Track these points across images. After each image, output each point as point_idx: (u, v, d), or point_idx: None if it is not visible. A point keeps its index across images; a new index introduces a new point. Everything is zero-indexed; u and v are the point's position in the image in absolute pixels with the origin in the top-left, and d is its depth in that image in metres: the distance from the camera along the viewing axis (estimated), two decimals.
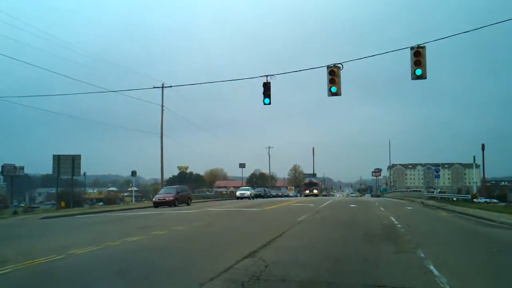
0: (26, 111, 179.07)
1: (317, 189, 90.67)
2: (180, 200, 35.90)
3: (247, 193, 57.67)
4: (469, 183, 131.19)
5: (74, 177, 44.56)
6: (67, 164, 39.58)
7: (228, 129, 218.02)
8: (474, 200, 40.47)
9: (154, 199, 36.73)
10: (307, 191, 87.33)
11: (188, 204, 36.80)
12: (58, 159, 39.42)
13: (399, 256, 9.37)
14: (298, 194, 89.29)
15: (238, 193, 58.42)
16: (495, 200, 62.21)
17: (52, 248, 10.71)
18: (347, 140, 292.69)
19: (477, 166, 56.86)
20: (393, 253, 9.66)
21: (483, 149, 51.14)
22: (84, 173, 79.90)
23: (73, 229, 17.96)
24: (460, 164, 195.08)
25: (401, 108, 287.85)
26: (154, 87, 44.03)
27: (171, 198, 34.61)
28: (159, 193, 37.98)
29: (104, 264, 8.79)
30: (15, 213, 32.40)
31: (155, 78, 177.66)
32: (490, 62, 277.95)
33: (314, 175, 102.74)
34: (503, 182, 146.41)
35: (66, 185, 58.23)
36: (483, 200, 54.08)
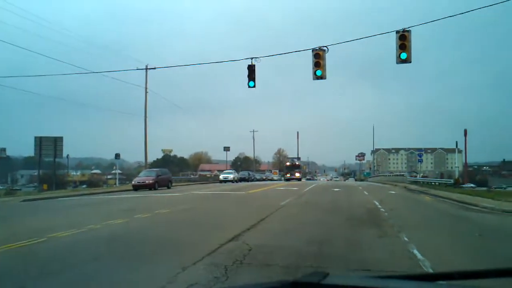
0: (7, 92, 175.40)
1: (299, 172, 79.69)
2: (160, 183, 35.80)
3: (231, 176, 57.45)
4: (452, 167, 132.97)
5: (56, 159, 44.06)
6: (49, 146, 39.15)
7: (212, 112, 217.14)
8: (455, 184, 40.95)
9: (133, 182, 36.44)
10: (288, 175, 74.71)
11: (169, 188, 36.74)
12: (40, 141, 38.94)
13: (383, 240, 9.38)
14: (282, 178, 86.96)
15: (221, 177, 58.05)
16: (472, 185, 63.15)
17: (33, 231, 10.50)
18: (331, 125, 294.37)
19: (459, 151, 57.56)
20: (376, 237, 9.66)
21: (465, 134, 51.70)
22: (67, 155, 78.89)
23: (55, 212, 17.73)
24: (443, 149, 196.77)
25: (385, 92, 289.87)
26: (137, 69, 43.59)
27: (150, 181, 34.53)
28: (139, 176, 37.76)
29: (85, 247, 8.66)
30: None
31: (140, 60, 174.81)
32: (475, 47, 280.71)
33: (298, 158, 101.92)
34: (484, 167, 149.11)
35: (48, 167, 57.51)
36: (469, 186, 54.85)
